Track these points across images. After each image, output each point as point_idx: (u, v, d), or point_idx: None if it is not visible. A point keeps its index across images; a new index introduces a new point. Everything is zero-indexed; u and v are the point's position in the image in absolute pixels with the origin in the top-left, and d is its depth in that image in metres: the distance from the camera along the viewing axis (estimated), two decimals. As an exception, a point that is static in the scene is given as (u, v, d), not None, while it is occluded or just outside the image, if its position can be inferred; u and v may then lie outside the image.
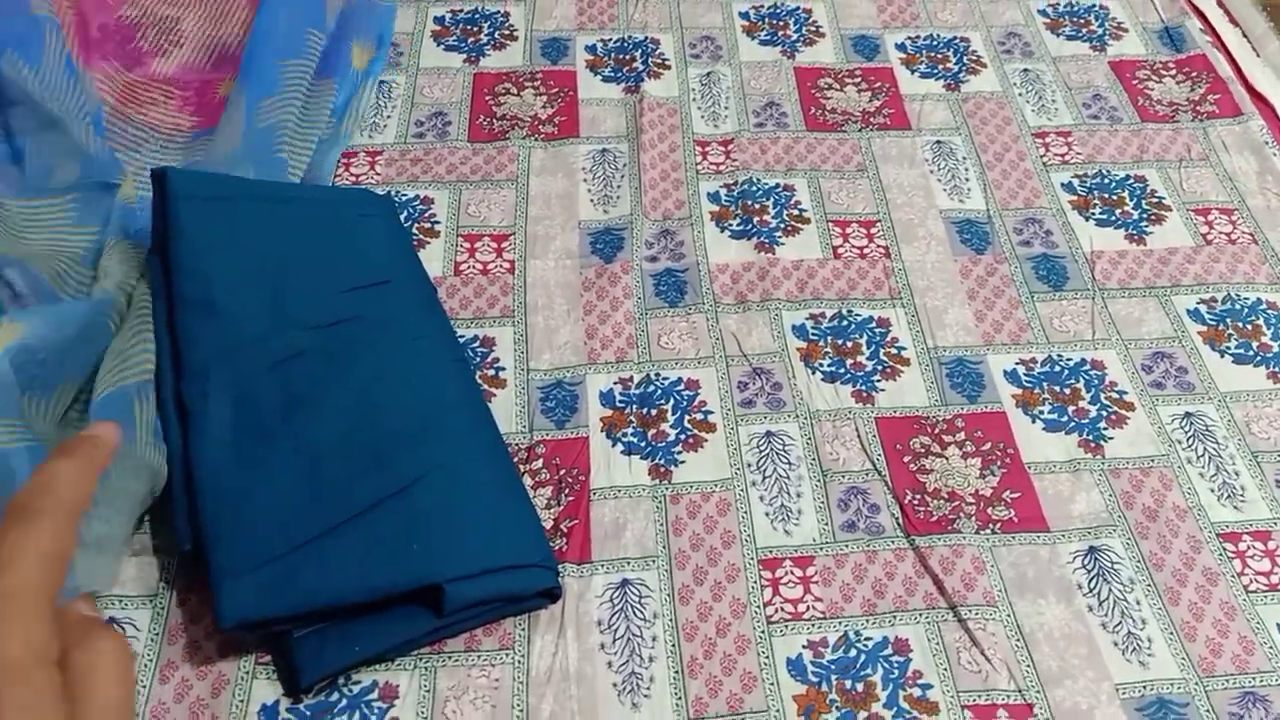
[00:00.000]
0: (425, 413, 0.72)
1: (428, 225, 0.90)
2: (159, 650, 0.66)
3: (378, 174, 0.94)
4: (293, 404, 0.70)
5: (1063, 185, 0.96)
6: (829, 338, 0.84)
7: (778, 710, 0.65)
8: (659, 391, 0.80)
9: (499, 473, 0.72)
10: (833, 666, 0.67)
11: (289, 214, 0.81)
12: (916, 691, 0.66)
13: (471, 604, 0.64)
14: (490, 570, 0.65)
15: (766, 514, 0.74)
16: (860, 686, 0.67)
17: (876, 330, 0.85)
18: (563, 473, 0.75)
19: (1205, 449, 0.79)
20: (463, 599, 0.63)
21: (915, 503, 0.75)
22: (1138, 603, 0.71)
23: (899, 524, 0.74)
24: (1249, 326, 0.86)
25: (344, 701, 0.64)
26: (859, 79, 1.05)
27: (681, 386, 0.81)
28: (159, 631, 0.66)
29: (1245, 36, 1.13)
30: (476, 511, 0.68)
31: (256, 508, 0.65)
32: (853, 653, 0.68)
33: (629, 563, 0.71)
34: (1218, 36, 1.12)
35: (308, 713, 0.64)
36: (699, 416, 0.79)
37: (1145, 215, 0.94)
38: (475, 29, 1.08)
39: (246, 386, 0.70)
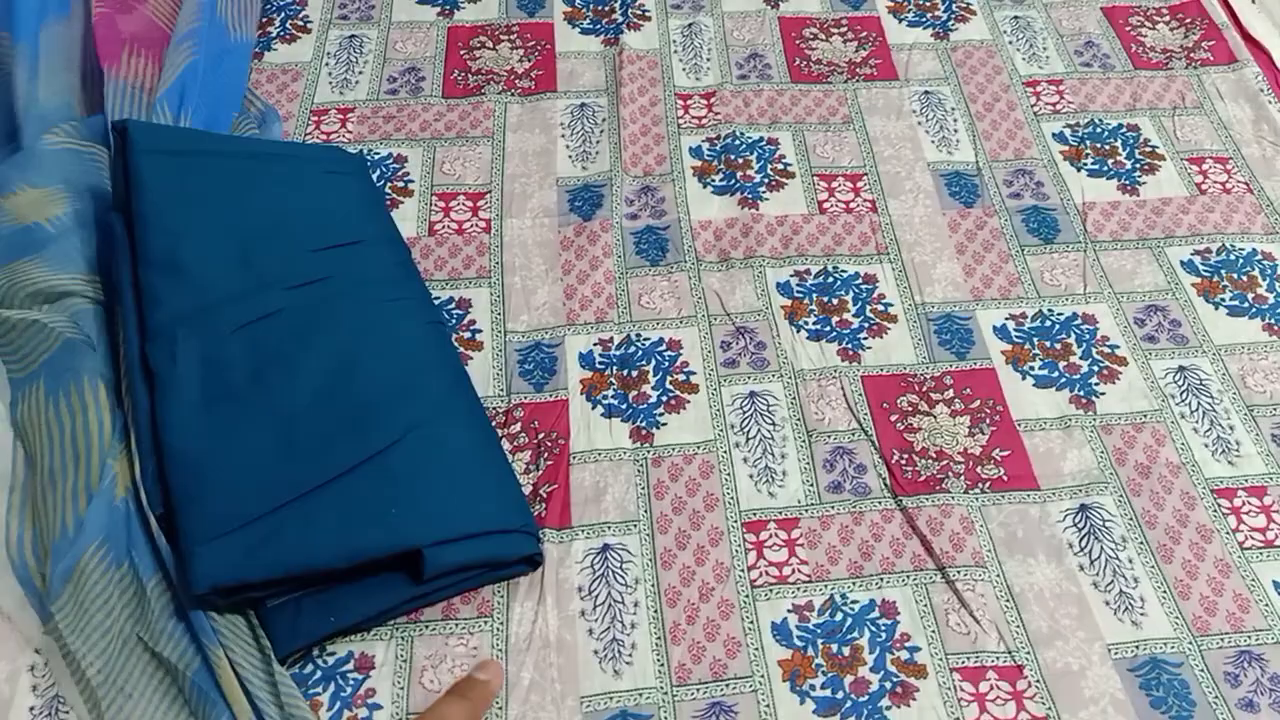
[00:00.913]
0: (401, 375, 0.70)
1: (401, 184, 0.88)
2: (127, 624, 0.64)
3: (349, 132, 0.91)
4: (264, 366, 0.68)
5: (1054, 135, 0.94)
6: (814, 295, 0.82)
7: (762, 676, 0.64)
8: (640, 352, 0.78)
9: (478, 436, 0.70)
10: (819, 630, 0.66)
11: (258, 170, 0.79)
12: (904, 655, 0.65)
13: (451, 569, 0.63)
14: (470, 535, 0.63)
15: (750, 476, 0.72)
16: (847, 650, 0.65)
17: (863, 287, 0.83)
18: (541, 436, 0.73)
19: (1199, 404, 0.77)
20: (442, 564, 0.62)
21: (902, 462, 0.73)
22: (1130, 561, 0.69)
23: (886, 484, 0.72)
24: (1244, 278, 0.84)
25: (319, 674, 0.63)
26: (845, 28, 1.02)
27: (663, 347, 0.79)
28: (126, 604, 0.65)
29: (1241, -20, 1.10)
30: (455, 475, 0.66)
31: (229, 471, 0.63)
32: (839, 616, 0.66)
33: (610, 527, 0.70)
34: (1213, -19, 1.09)
35: (280, 685, 0.62)
36: (681, 377, 0.77)
37: (1138, 165, 0.92)
38: (449, -19, 1.05)
39: (215, 348, 0.68)
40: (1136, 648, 0.66)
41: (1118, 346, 0.80)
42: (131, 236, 0.72)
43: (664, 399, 0.76)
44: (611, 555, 0.69)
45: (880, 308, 0.82)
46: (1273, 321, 0.82)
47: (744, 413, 0.75)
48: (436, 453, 0.67)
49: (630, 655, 0.64)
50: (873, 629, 0.66)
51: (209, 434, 0.65)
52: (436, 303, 0.79)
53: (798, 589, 0.67)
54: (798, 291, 0.82)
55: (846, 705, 0.63)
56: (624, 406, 0.75)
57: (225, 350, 0.68)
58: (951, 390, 0.77)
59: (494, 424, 0.73)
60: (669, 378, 0.77)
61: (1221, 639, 0.66)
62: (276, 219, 0.76)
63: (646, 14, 1.03)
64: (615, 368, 0.77)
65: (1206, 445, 0.75)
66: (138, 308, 0.70)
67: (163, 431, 0.65)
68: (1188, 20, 1.04)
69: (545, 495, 0.71)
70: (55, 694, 0.61)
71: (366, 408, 0.68)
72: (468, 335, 0.79)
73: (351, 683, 0.63)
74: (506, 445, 0.72)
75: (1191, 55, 1.01)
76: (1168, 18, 1.04)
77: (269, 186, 0.78)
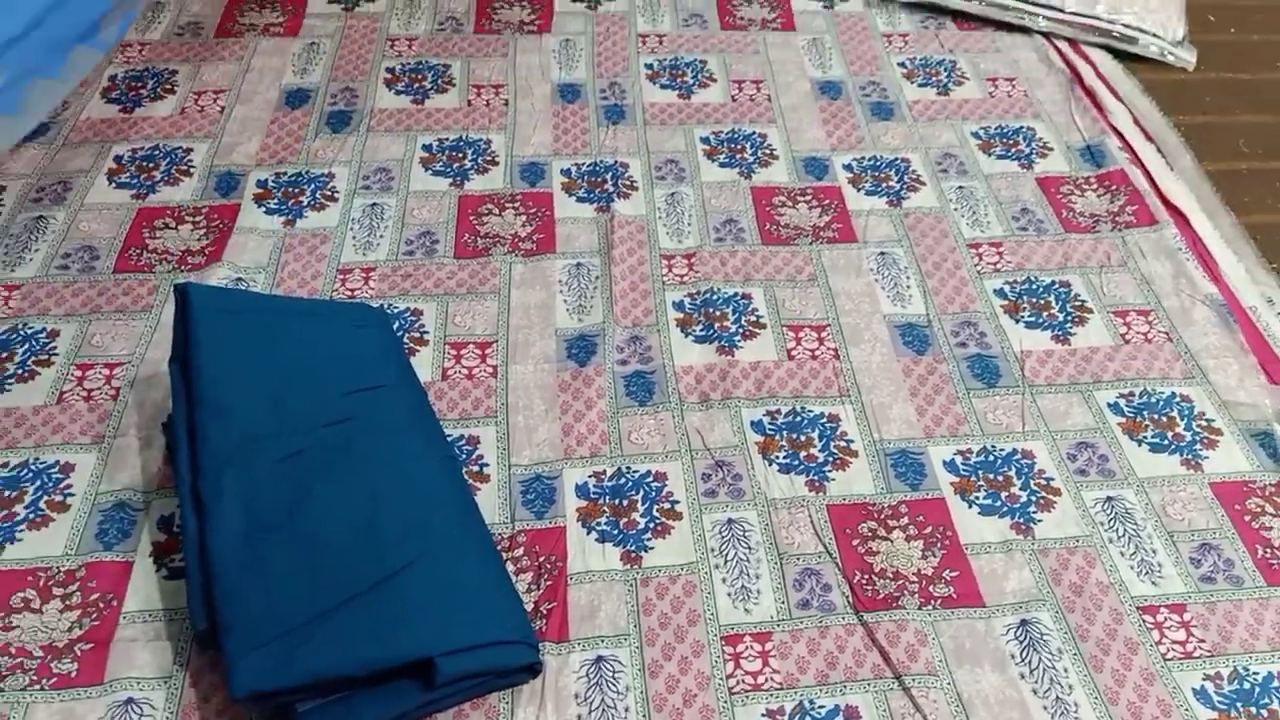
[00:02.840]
0: (416, 505, 0.80)
1: (418, 334, 0.99)
2: (172, 728, 0.72)
3: (371, 288, 1.03)
4: (297, 497, 0.78)
5: (995, 291, 1.06)
6: (784, 432, 0.92)
7: (739, 773, 0.72)
8: (630, 483, 0.88)
9: (484, 560, 0.79)
10: (789, 733, 0.74)
11: (295, 324, 0.90)
12: (865, 754, 0.73)
13: (460, 677, 0.71)
14: (477, 646, 0.72)
15: (729, 594, 0.81)
16: (814, 750, 0.73)
17: (827, 425, 0.93)
18: (542, 559, 0.82)
19: (1125, 530, 0.87)
20: (452, 671, 0.70)
21: (863, 582, 0.82)
22: (1065, 670, 0.78)
23: (849, 601, 0.81)
24: (1164, 418, 0.95)
25: (343, 772, 0.70)
26: (810, 196, 1.16)
27: (650, 478, 0.88)
28: (174, 711, 0.73)
29: (1160, 152, 1.24)
30: (463, 594, 0.75)
31: (265, 590, 0.72)
32: (808, 719, 0.75)
33: (603, 640, 0.78)
34: (1135, 153, 1.23)
35: (309, 783, 0.70)
36: (667, 506, 0.87)
37: (1069, 317, 1.04)
38: (460, 155, 1.19)
39: (255, 482, 0.78)
40: (1071, 748, 0.74)
41: (1053, 479, 0.90)
42: (187, 384, 0.83)
43: (651, 525, 0.85)
44: (605, 665, 0.77)
45: (843, 444, 0.92)
46: (1189, 457, 0.92)
47: (723, 537, 0.85)
48: (446, 573, 0.76)
49: (621, 756, 0.72)
50: (837, 731, 0.74)
51: (249, 562, 0.74)
52: (449, 439, 0.89)
53: (770, 695, 0.76)
54: (769, 429, 0.92)
55: (814, 799, 0.71)
56: (616, 532, 0.85)
57: (264, 484, 0.78)
58: (906, 518, 0.87)
59: (499, 548, 0.82)
60: (656, 506, 0.86)
61: (1147, 740, 0.75)
62: (310, 366, 0.87)
63: (635, 184, 1.16)
64: (608, 497, 0.87)
65: (1132, 567, 0.84)
66: (190, 445, 0.80)
67: (210, 557, 0.74)
68: (1113, 188, 1.18)
69: (545, 612, 0.79)
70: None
71: (384, 533, 0.77)
72: (476, 469, 0.89)
73: (373, 781, 0.70)
74: (511, 567, 0.81)
75: (1117, 219, 1.14)
76: (1095, 186, 1.18)
77: (304, 338, 0.89)
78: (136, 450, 0.88)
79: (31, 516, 0.83)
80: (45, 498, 0.84)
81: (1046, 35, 1.41)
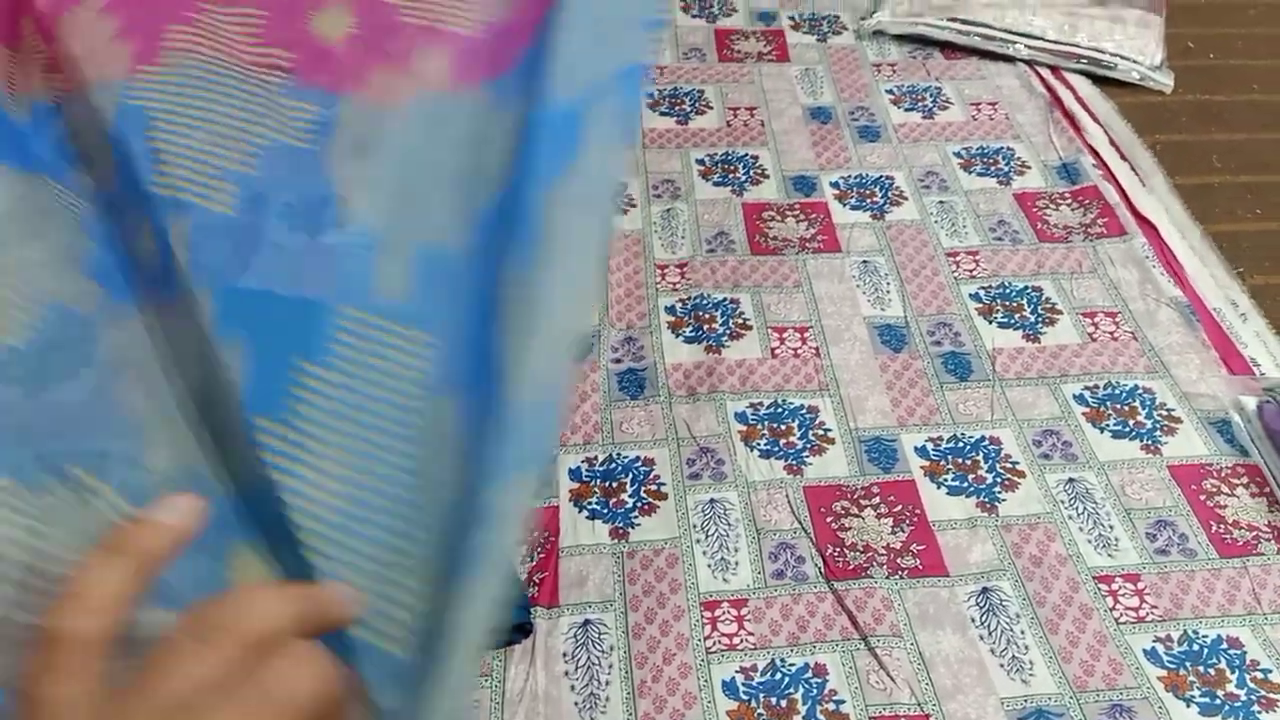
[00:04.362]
0: None
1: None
2: None
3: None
4: None
5: (970, 295, 1.13)
6: (766, 422, 0.99)
7: (713, 721, 0.78)
8: (620, 468, 0.95)
9: None
10: (760, 687, 0.80)
11: None
12: (831, 706, 0.79)
13: None
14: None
15: (709, 565, 0.88)
16: (784, 703, 0.79)
17: (806, 415, 1.00)
18: (536, 534, 0.89)
19: (1085, 508, 0.92)
20: None
21: (835, 554, 0.88)
22: (1022, 632, 0.84)
23: (820, 572, 0.87)
24: (1126, 408, 1.01)
25: None
26: (798, 211, 1.23)
27: (639, 463, 0.95)
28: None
29: (1134, 170, 1.31)
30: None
31: None
32: (778, 675, 0.81)
33: (590, 606, 0.85)
34: (1109, 170, 1.30)
35: None
36: (653, 487, 0.93)
37: (1040, 319, 1.10)
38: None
39: None
40: (1025, 701, 0.79)
41: (1018, 463, 0.96)
42: None
43: (639, 504, 0.92)
44: (591, 628, 0.83)
45: (820, 432, 0.98)
46: (1149, 443, 0.98)
47: (705, 515, 0.91)
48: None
49: (605, 706, 0.79)
50: (806, 686, 0.80)
51: None
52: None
53: (744, 654, 0.82)
54: (752, 419, 0.99)
55: (781, 744, 0.76)
56: (605, 511, 0.92)
57: None
58: (878, 498, 0.93)
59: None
60: (643, 487, 0.93)
61: (1097, 694, 0.80)
62: None
63: (633, 201, 1.24)
64: (599, 480, 0.94)
65: (1090, 541, 0.90)
66: None
67: None
68: (1086, 202, 1.24)
69: (538, 581, 0.86)
70: None
71: None
72: (478, 455, 0.96)
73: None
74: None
75: (1089, 230, 1.21)
76: (1070, 200, 1.25)
77: None
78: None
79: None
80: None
81: (1029, 63, 1.48)
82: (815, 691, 0.80)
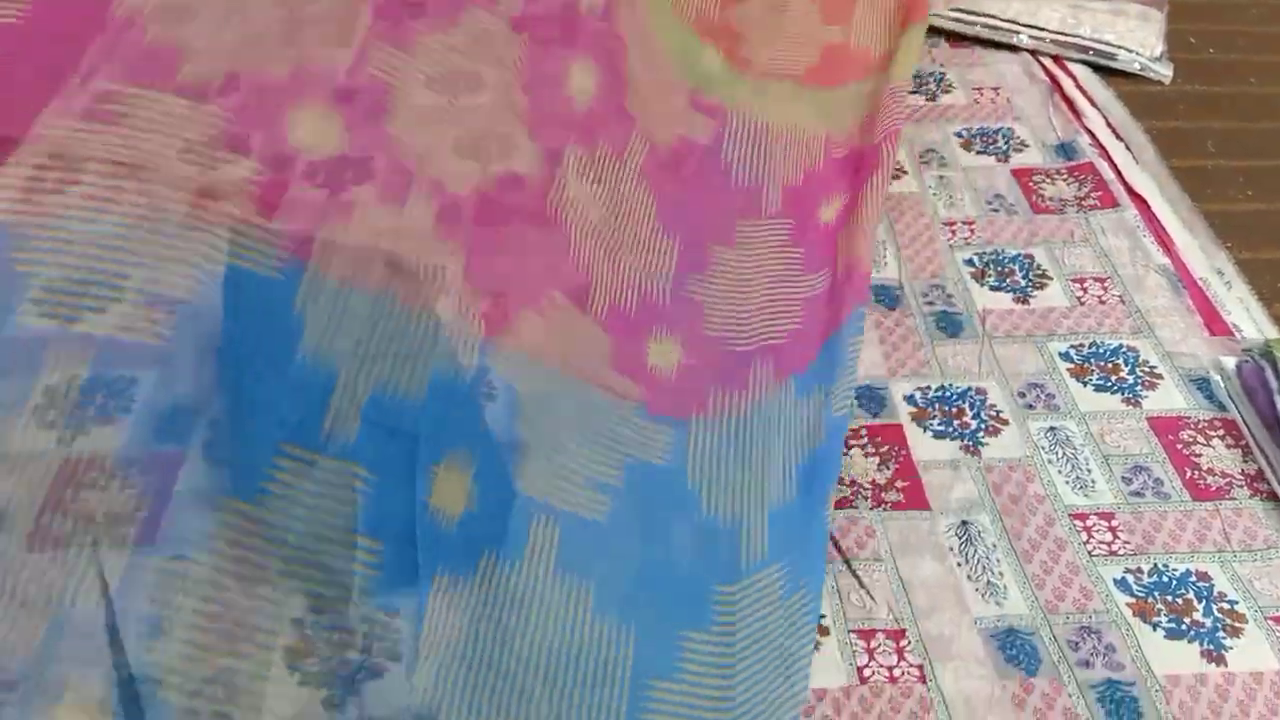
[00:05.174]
0: None
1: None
2: None
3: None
4: None
5: (964, 261, 1.17)
6: (762, 370, 1.04)
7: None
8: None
9: None
10: (747, 603, 0.85)
11: None
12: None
13: None
14: None
15: (702, 495, 0.93)
16: (768, 617, 0.84)
17: (801, 364, 1.05)
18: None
19: (1065, 453, 0.97)
20: None
21: (822, 488, 0.93)
22: (998, 561, 0.88)
23: (808, 503, 0.92)
24: (1110, 364, 1.05)
25: None
26: (801, 183, 1.28)
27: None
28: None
29: (1129, 149, 1.35)
30: None
31: None
32: (766, 593, 0.85)
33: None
34: (1104, 150, 1.34)
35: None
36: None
37: (1031, 283, 1.14)
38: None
39: None
40: (998, 621, 0.84)
41: (1002, 411, 1.00)
42: None
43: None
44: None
45: (814, 380, 1.03)
46: (1130, 396, 1.02)
47: (700, 451, 0.96)
48: None
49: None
50: (789, 602, 0.85)
51: None
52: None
53: (733, 573, 0.86)
54: (749, 367, 1.04)
55: (764, 651, 0.81)
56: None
57: None
58: (866, 439, 0.98)
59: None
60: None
61: (1067, 617, 0.84)
62: None
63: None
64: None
65: (1068, 482, 0.94)
66: None
67: None
68: (1081, 177, 1.28)
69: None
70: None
71: None
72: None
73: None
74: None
75: (1082, 202, 1.25)
76: (1065, 175, 1.29)
77: None
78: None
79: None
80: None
81: (1032, 52, 1.53)
82: (798, 608, 0.84)
